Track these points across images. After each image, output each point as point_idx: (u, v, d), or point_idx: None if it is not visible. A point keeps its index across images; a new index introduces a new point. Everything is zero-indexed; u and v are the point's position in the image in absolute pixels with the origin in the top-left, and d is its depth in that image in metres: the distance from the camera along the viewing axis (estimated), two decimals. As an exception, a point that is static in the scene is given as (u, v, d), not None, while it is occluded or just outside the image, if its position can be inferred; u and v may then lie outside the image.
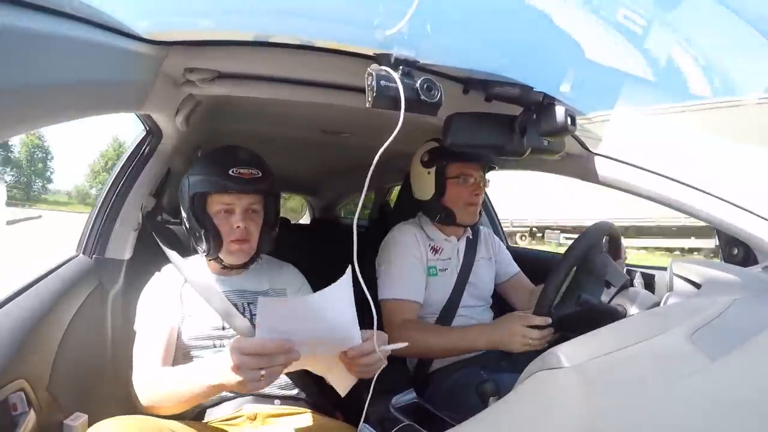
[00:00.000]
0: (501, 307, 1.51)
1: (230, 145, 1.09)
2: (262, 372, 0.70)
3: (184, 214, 1.08)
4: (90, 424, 0.79)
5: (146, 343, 0.98)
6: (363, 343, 0.75)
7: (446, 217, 1.35)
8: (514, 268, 1.54)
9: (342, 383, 0.86)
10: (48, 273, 1.05)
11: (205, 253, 1.06)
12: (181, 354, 1.02)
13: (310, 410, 1.02)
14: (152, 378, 0.91)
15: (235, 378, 0.71)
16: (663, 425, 0.34)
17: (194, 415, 1.00)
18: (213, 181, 1.01)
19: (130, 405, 1.19)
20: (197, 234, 1.04)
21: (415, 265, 1.30)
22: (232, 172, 1.00)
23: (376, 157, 0.66)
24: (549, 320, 1.02)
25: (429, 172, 1.34)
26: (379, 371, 0.78)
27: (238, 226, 1.02)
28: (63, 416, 0.96)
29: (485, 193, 1.57)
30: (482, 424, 0.42)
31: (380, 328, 1.23)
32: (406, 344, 0.79)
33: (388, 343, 0.81)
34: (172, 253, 1.12)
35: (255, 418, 0.97)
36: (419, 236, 1.35)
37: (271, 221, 1.10)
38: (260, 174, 1.04)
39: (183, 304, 1.04)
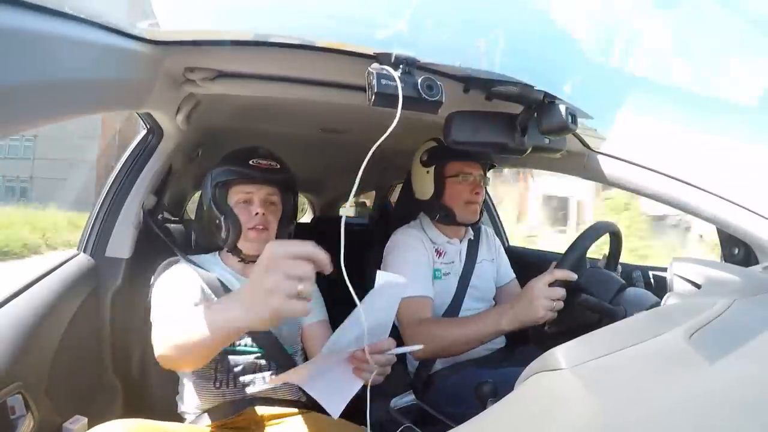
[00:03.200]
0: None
1: (253, 145, 1.14)
2: (301, 286, 0.56)
3: (204, 207, 1.12)
4: (89, 427, 0.78)
5: (167, 306, 0.92)
6: (382, 341, 0.75)
7: (446, 216, 1.34)
8: (511, 274, 1.54)
9: (338, 396, 0.80)
10: (48, 272, 1.05)
11: (224, 242, 1.07)
12: None
13: (314, 411, 1.01)
14: (172, 322, 0.81)
15: (265, 288, 0.56)
16: (662, 426, 0.34)
17: (195, 418, 0.99)
18: (234, 171, 1.07)
19: (129, 408, 1.19)
20: (217, 222, 1.07)
21: (422, 263, 1.30)
22: (252, 162, 1.06)
23: (368, 156, 0.63)
24: (573, 275, 0.96)
25: (428, 172, 1.34)
26: (382, 378, 0.78)
27: (257, 213, 1.05)
28: (61, 419, 0.95)
29: (486, 193, 1.56)
30: (481, 425, 0.42)
31: (395, 329, 1.23)
32: (421, 346, 0.79)
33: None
34: (188, 258, 1.10)
35: (261, 420, 0.97)
36: (423, 239, 1.35)
37: (289, 215, 1.14)
38: (278, 166, 1.10)
39: (201, 297, 1.01)
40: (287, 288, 0.56)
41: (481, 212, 1.40)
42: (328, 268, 0.59)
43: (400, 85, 0.68)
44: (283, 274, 0.56)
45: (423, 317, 1.22)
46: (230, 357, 1.00)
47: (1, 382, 0.76)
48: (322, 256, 0.59)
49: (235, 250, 1.08)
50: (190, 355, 0.73)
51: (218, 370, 1.00)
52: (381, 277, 0.72)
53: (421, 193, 1.39)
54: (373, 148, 0.64)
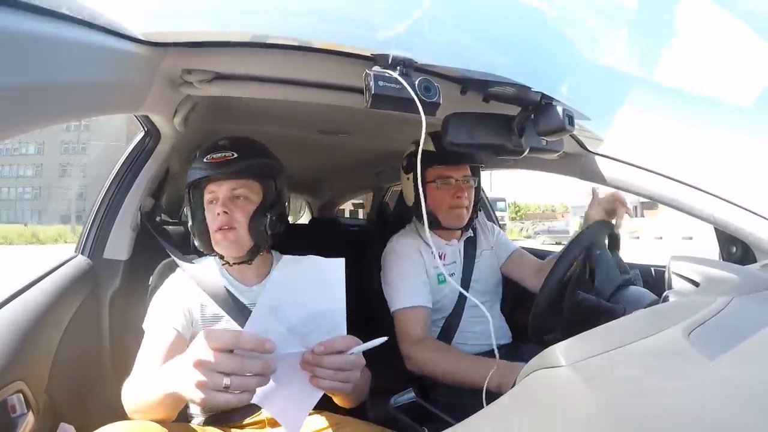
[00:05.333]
0: (510, 292, 1.53)
1: (217, 138, 1.04)
2: (227, 380, 0.56)
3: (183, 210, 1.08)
4: (89, 429, 0.78)
5: (147, 348, 0.91)
6: (335, 337, 0.66)
7: (431, 222, 1.32)
8: (512, 245, 1.52)
9: (295, 411, 0.70)
10: (46, 274, 1.05)
11: (200, 247, 1.04)
12: None
13: (327, 410, 0.98)
14: (133, 382, 0.83)
15: (191, 380, 0.57)
16: (660, 423, 0.34)
17: (206, 420, 0.97)
18: (194, 171, 1.00)
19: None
20: (190, 227, 1.03)
21: (417, 272, 1.29)
22: (207, 159, 0.97)
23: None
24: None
25: (408, 178, 1.34)
26: (348, 386, 0.68)
27: (218, 213, 0.96)
28: (62, 418, 0.95)
29: (482, 191, 1.55)
30: (481, 422, 0.42)
31: (393, 341, 1.23)
32: (385, 338, 0.68)
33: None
34: (184, 263, 1.04)
35: (269, 423, 0.95)
36: (419, 245, 1.33)
37: (266, 207, 1.00)
38: (235, 155, 0.96)
39: (201, 310, 0.97)
40: (212, 383, 0.56)
41: (475, 212, 1.38)
42: (266, 347, 0.58)
43: (409, 89, 0.68)
44: (208, 368, 0.57)
45: (421, 331, 1.21)
46: None
47: (1, 381, 0.76)
48: (248, 340, 0.58)
49: (216, 254, 1.02)
50: (151, 415, 0.75)
51: None
52: (287, 261, 0.69)
53: (408, 199, 1.39)
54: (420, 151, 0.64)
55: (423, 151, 1.30)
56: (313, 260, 0.69)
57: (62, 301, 1.02)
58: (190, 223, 1.03)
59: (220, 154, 0.97)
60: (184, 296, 0.97)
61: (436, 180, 1.30)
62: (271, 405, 0.70)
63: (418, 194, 1.30)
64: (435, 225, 1.33)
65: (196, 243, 1.03)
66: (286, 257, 0.71)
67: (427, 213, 1.30)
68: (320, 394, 0.69)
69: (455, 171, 1.31)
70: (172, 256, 1.08)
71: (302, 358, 0.66)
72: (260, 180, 1.01)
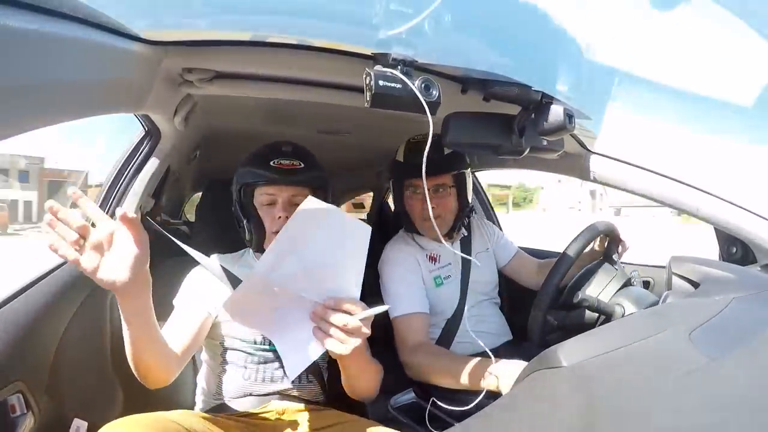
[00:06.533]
0: (510, 292, 1.54)
1: (278, 141, 1.09)
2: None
3: (233, 207, 1.10)
4: (90, 428, 0.78)
5: (174, 320, 0.95)
6: (343, 298, 0.69)
7: (410, 228, 1.35)
8: (513, 248, 1.54)
9: (299, 356, 0.74)
10: (46, 274, 1.05)
11: (249, 244, 1.07)
12: (220, 350, 1.03)
13: (332, 408, 1.02)
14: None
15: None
16: (661, 423, 0.34)
17: (214, 407, 1.00)
18: (256, 173, 1.03)
19: (129, 405, 1.18)
20: (241, 224, 1.07)
21: (412, 277, 1.29)
22: (273, 163, 1.01)
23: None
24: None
25: (392, 184, 1.37)
26: (347, 349, 0.68)
27: (279, 217, 1.01)
28: (62, 418, 0.95)
29: (484, 194, 1.55)
30: (482, 422, 0.42)
31: (393, 346, 1.23)
32: (387, 307, 0.71)
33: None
34: (205, 261, 0.99)
35: (283, 413, 0.99)
36: (413, 250, 1.34)
37: None
38: (302, 165, 1.03)
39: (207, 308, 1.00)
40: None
41: (461, 219, 1.35)
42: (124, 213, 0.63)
43: (412, 87, 0.68)
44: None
45: (418, 338, 1.21)
46: (261, 353, 1.02)
47: (1, 381, 0.76)
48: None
49: (262, 251, 1.06)
50: (139, 354, 0.78)
51: (248, 361, 1.02)
52: (314, 200, 0.70)
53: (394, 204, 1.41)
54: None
55: (396, 161, 1.32)
56: (342, 213, 0.71)
57: (62, 301, 1.02)
58: (244, 221, 1.05)
59: (287, 161, 1.02)
60: (216, 285, 0.99)
61: (409, 189, 1.32)
62: (279, 341, 0.76)
63: (398, 201, 1.34)
64: (414, 230, 1.35)
65: (248, 237, 1.06)
66: (313, 198, 0.72)
67: (407, 220, 1.34)
68: (321, 349, 0.71)
69: (421, 181, 1.28)
70: (194, 255, 1.07)
71: (312, 311, 0.70)
72: (314, 190, 1.05)
